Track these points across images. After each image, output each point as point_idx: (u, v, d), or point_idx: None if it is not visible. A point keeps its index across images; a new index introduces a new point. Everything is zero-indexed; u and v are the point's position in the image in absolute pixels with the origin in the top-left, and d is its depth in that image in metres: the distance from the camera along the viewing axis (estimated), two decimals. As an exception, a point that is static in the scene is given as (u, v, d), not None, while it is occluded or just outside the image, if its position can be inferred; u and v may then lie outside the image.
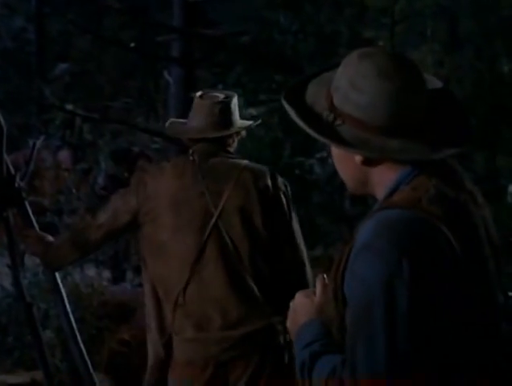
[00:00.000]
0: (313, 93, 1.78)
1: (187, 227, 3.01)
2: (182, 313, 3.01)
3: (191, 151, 3.11)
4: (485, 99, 10.07)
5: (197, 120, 3.15)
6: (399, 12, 10.71)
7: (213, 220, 3.00)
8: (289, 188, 3.17)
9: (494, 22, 10.79)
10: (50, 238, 3.35)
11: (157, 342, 3.10)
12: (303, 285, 2.95)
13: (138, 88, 13.95)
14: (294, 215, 3.14)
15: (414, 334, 1.53)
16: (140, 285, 7.39)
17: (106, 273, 7.50)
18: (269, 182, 3.10)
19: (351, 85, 1.68)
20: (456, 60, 10.74)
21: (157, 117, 10.88)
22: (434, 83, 1.78)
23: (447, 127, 1.71)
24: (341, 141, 1.67)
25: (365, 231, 1.61)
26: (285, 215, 3.11)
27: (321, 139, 1.70)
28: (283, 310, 2.91)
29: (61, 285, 3.45)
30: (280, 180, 3.15)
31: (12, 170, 3.42)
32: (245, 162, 3.15)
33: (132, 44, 9.16)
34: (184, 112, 8.74)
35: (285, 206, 3.12)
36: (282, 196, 3.12)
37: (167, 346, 3.07)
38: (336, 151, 1.75)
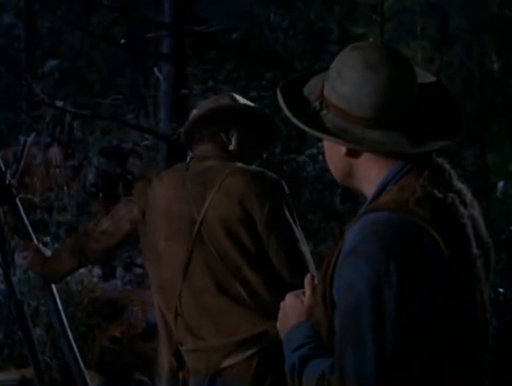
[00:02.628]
0: (313, 84, 1.79)
1: (177, 236, 2.98)
2: (182, 323, 3.00)
3: (188, 158, 3.08)
4: (474, 96, 10.10)
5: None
6: (389, 9, 10.73)
7: (196, 229, 2.94)
8: (283, 191, 2.97)
9: (484, 20, 10.81)
10: (49, 252, 3.35)
11: (167, 352, 3.10)
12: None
13: (128, 84, 13.93)
14: (287, 218, 2.92)
15: (402, 337, 1.53)
16: (130, 282, 7.40)
17: (97, 270, 7.48)
18: (256, 186, 2.91)
19: (338, 75, 1.69)
20: (445, 57, 10.77)
21: (147, 113, 10.86)
22: (427, 77, 1.78)
23: (436, 122, 1.71)
24: (320, 129, 1.67)
25: (352, 234, 1.61)
26: (274, 221, 2.91)
27: (300, 125, 1.70)
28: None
29: (52, 283, 3.44)
30: (270, 184, 2.94)
31: (3, 167, 3.41)
32: (236, 165, 2.99)
33: (122, 41, 9.14)
34: (174, 108, 8.72)
35: (274, 211, 2.91)
36: (271, 201, 2.91)
37: (177, 355, 3.07)
38: (325, 141, 1.76)
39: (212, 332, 2.94)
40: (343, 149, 1.69)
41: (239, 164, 3.02)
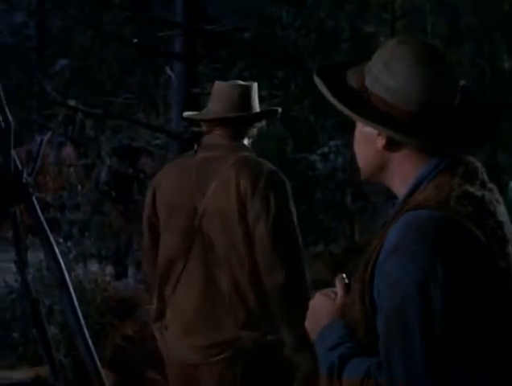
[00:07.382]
0: (350, 75, 1.75)
1: (176, 226, 2.94)
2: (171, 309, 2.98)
3: (196, 146, 3.02)
4: (485, 95, 10.07)
5: (214, 103, 3.01)
6: (400, 7, 10.71)
7: (197, 219, 2.90)
8: (281, 183, 2.91)
9: (495, 18, 10.78)
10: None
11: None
12: (298, 294, 2.81)
13: (139, 83, 13.95)
14: (283, 216, 2.86)
15: (450, 336, 1.53)
16: (142, 280, 7.40)
17: (109, 269, 7.49)
18: (251, 177, 2.84)
19: (385, 67, 1.66)
20: (456, 56, 10.73)
21: (157, 112, 10.88)
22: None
23: (471, 124, 1.70)
24: (370, 118, 1.64)
25: (394, 232, 1.59)
26: (270, 217, 2.82)
27: (350, 114, 1.67)
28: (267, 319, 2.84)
29: (68, 281, 3.46)
30: (271, 178, 2.87)
31: (19, 166, 3.44)
32: (240, 155, 2.92)
33: (134, 40, 9.16)
34: (186, 107, 8.78)
35: (271, 207, 2.82)
36: (264, 192, 2.83)
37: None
38: (359, 132, 1.73)
39: (198, 325, 2.90)
40: (381, 142, 1.67)
41: (245, 154, 2.95)
